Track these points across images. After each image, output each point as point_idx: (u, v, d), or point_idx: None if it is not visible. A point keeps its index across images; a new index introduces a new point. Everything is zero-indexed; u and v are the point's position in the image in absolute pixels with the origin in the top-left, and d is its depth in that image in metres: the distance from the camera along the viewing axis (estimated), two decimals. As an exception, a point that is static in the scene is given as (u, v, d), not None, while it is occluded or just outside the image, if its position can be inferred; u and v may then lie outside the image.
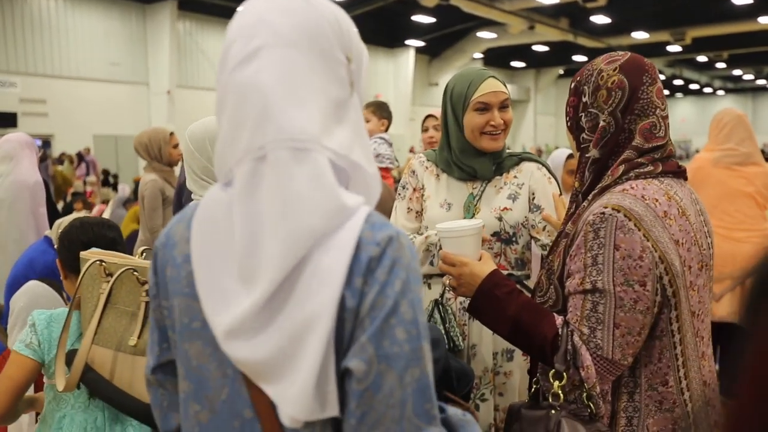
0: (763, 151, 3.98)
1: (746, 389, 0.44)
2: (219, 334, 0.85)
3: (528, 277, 2.19)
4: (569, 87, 1.51)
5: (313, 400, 0.80)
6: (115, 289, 1.75)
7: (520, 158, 2.20)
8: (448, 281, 1.61)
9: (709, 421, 1.43)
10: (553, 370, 1.37)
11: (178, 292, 0.93)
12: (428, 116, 3.69)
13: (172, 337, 0.96)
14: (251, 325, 0.82)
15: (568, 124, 1.52)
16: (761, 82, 35.72)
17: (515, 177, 2.16)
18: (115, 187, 13.16)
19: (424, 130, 3.69)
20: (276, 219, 0.81)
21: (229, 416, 0.90)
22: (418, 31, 20.75)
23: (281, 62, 0.86)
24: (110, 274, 1.75)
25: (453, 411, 0.96)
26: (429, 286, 2.21)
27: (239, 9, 0.93)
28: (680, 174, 1.45)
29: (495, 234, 2.11)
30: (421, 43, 22.42)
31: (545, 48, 23.76)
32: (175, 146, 4.23)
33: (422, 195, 2.22)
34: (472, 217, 2.11)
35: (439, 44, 22.88)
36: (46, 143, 15.20)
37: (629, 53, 1.47)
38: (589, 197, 1.44)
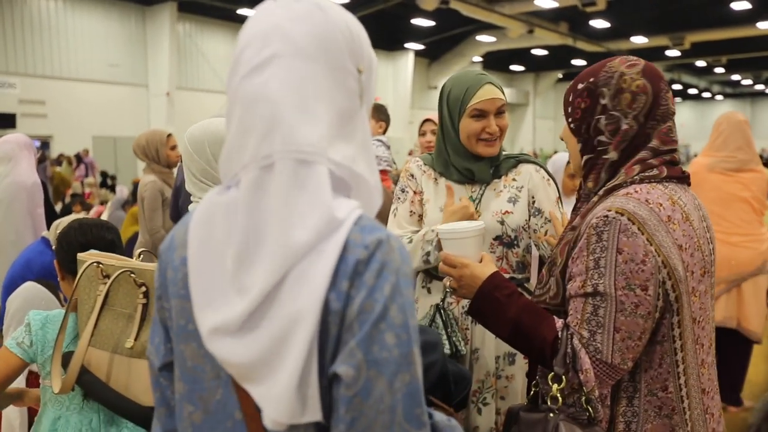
0: (761, 156, 3.99)
1: None
2: (204, 332, 0.86)
3: (528, 280, 2.18)
4: (575, 89, 1.48)
5: (294, 403, 0.80)
6: (112, 291, 1.75)
7: (518, 160, 2.19)
8: (448, 283, 1.61)
9: (708, 430, 1.43)
10: (552, 373, 1.36)
11: (174, 294, 0.93)
12: (426, 120, 3.67)
13: (173, 337, 0.96)
14: (236, 326, 0.82)
15: (573, 126, 1.49)
16: (760, 87, 35.80)
17: (514, 180, 2.16)
18: (112, 189, 13.15)
19: (422, 134, 3.67)
20: (272, 231, 0.82)
21: (223, 417, 0.90)
22: (418, 34, 20.78)
23: (292, 73, 0.86)
24: (107, 276, 1.74)
25: (440, 417, 0.96)
26: (429, 291, 2.19)
27: (253, 13, 0.93)
28: (684, 179, 1.45)
29: (497, 238, 2.10)
30: (420, 47, 22.44)
31: (544, 52, 23.80)
32: (173, 148, 4.25)
33: (421, 199, 2.21)
34: None
35: (439, 48, 22.91)
36: (45, 144, 15.20)
37: (642, 59, 1.46)
38: (600, 192, 1.43)
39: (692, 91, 35.70)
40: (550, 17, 19.15)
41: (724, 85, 37.09)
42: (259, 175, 0.84)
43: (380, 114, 4.11)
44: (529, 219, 2.13)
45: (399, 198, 2.24)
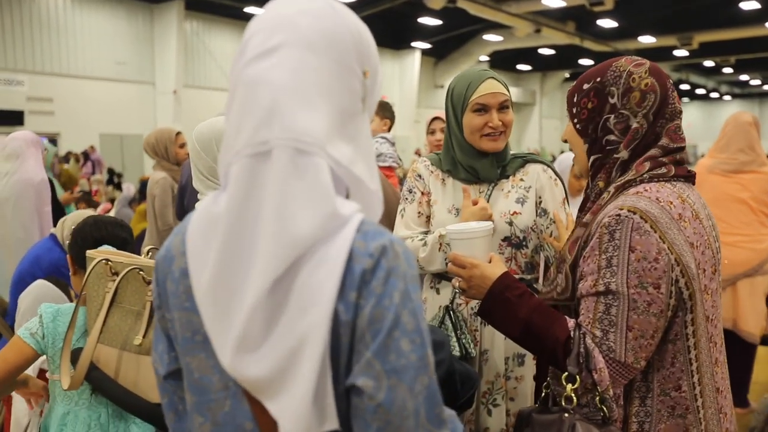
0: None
1: None
2: (227, 362, 0.84)
3: (537, 280, 2.17)
4: (579, 89, 1.48)
5: (311, 416, 0.80)
6: (121, 289, 1.75)
7: (525, 160, 2.18)
8: (457, 283, 1.60)
9: (722, 430, 1.43)
10: (566, 373, 1.35)
11: (177, 307, 0.92)
12: (435, 118, 3.66)
13: (177, 347, 0.95)
14: (248, 340, 0.82)
15: (579, 127, 1.49)
16: (768, 87, 35.68)
17: (521, 180, 2.15)
18: (119, 187, 13.16)
19: (431, 132, 3.65)
20: (268, 224, 0.80)
21: (232, 428, 0.90)
22: (425, 33, 20.75)
23: (297, 62, 0.85)
24: (116, 273, 1.75)
25: (448, 411, 0.96)
26: (438, 291, 2.18)
27: (260, 11, 0.93)
28: (690, 178, 1.45)
29: (506, 239, 2.10)
30: (427, 45, 22.41)
31: (551, 51, 23.73)
32: (182, 146, 4.29)
33: (429, 200, 2.20)
34: None
35: (445, 46, 22.87)
36: (53, 141, 15.24)
37: (644, 59, 1.47)
38: (611, 189, 1.42)
39: (700, 91, 35.54)
40: (557, 16, 19.10)
41: (732, 85, 36.92)
42: (252, 164, 0.83)
43: (385, 112, 4.11)
44: (536, 219, 2.13)
45: (407, 198, 2.23)
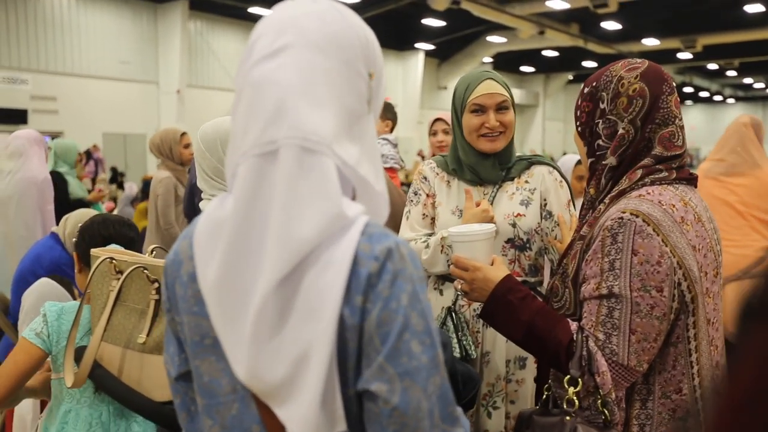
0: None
1: (725, 410, 0.43)
2: (242, 374, 0.84)
3: (541, 283, 2.17)
4: (581, 92, 1.49)
5: (319, 420, 0.80)
6: (125, 287, 1.76)
7: (531, 162, 2.18)
8: (459, 286, 1.60)
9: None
10: (568, 376, 1.35)
11: (186, 311, 0.92)
12: (436, 119, 3.64)
13: (187, 350, 0.96)
14: (257, 342, 0.81)
15: (579, 129, 1.50)
16: (772, 90, 35.63)
17: (526, 182, 2.15)
18: (121, 186, 13.18)
19: (432, 133, 3.64)
20: (275, 223, 0.81)
21: (240, 431, 0.90)
22: (428, 34, 20.74)
23: (305, 62, 0.85)
24: (120, 272, 1.76)
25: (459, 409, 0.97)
26: (441, 293, 2.18)
27: (265, 11, 0.93)
28: (692, 181, 1.45)
29: (509, 241, 2.10)
30: (430, 47, 22.40)
31: (555, 53, 23.71)
32: (186, 146, 4.32)
33: (434, 202, 2.21)
34: None
35: (449, 48, 22.87)
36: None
37: (647, 61, 1.45)
38: (606, 200, 1.42)
39: (704, 94, 35.46)
40: (561, 18, 19.09)
41: (736, 88, 36.84)
42: (259, 164, 0.83)
43: (387, 112, 4.10)
44: (541, 221, 2.12)
45: (412, 200, 2.24)
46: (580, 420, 1.33)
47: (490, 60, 24.26)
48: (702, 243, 1.38)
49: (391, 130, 4.09)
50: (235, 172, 0.86)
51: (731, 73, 29.14)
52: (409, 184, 10.73)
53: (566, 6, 16.75)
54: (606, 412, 1.33)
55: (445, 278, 2.17)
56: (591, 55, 23.17)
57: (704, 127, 36.94)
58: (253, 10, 16.13)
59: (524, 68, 27.90)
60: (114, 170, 15.08)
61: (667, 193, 1.37)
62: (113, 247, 1.92)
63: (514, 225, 2.09)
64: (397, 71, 22.75)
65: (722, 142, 3.71)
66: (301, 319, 0.80)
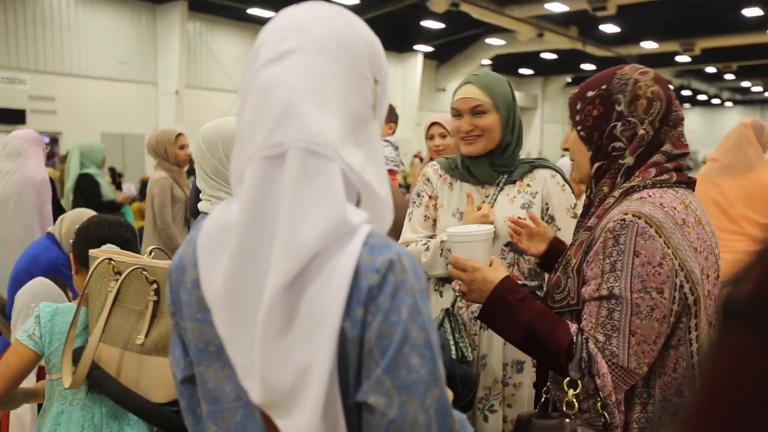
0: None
1: (697, 407, 0.44)
2: (250, 389, 0.84)
3: (541, 287, 2.16)
4: (583, 97, 1.49)
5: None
6: (124, 288, 1.76)
7: (533, 165, 2.18)
8: (458, 287, 1.59)
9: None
10: (568, 378, 1.35)
11: (190, 317, 0.92)
12: (433, 124, 3.60)
13: (191, 355, 0.96)
14: (264, 353, 0.81)
15: (583, 134, 1.49)
16: (770, 94, 35.67)
17: (528, 185, 2.14)
18: (119, 186, 13.17)
19: (429, 137, 3.57)
20: (281, 228, 0.80)
21: None
22: (427, 36, 20.75)
23: (311, 65, 0.85)
24: (119, 273, 1.75)
25: (458, 414, 0.96)
26: (441, 294, 2.18)
27: (264, 12, 0.92)
28: (691, 185, 1.45)
29: (508, 244, 2.09)
30: (429, 49, 22.40)
31: (554, 56, 23.72)
32: (182, 147, 4.34)
33: (436, 204, 2.22)
34: None
35: (448, 50, 22.87)
36: (54, 141, 15.23)
37: (647, 67, 1.48)
38: (616, 194, 1.43)
39: (702, 97, 35.50)
40: (560, 21, 19.10)
41: (734, 91, 36.91)
42: (266, 167, 0.82)
43: (390, 115, 4.09)
44: None
45: (415, 202, 2.26)
46: (579, 422, 1.33)
47: (489, 62, 24.27)
48: (703, 245, 1.38)
49: (393, 132, 4.08)
50: (241, 176, 0.85)
51: (729, 76, 29.19)
52: (407, 186, 10.73)
53: (565, 9, 16.77)
54: (606, 414, 1.33)
55: (445, 280, 2.17)
56: (590, 58, 23.19)
57: (702, 130, 36.98)
58: (253, 11, 16.12)
59: (523, 71, 27.92)
60: (112, 170, 15.06)
61: (668, 196, 1.38)
62: (110, 247, 1.92)
63: None
64: (396, 73, 22.75)
65: (723, 142, 3.68)
66: (304, 329, 0.80)
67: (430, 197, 2.23)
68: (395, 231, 2.78)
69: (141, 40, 16.84)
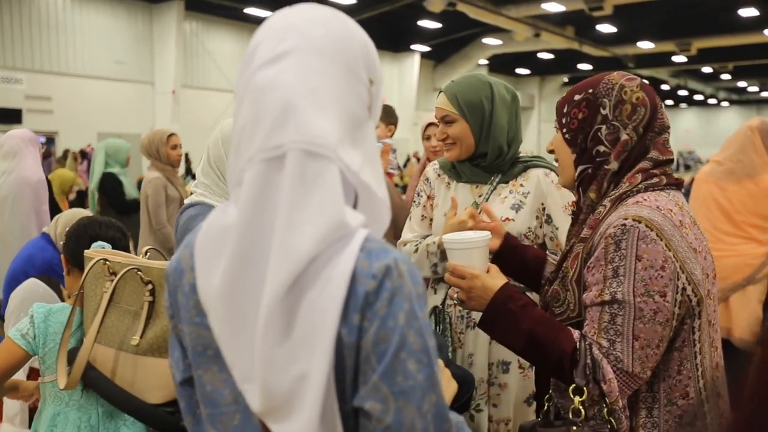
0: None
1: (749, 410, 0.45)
2: (249, 399, 0.83)
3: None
4: (570, 100, 1.50)
5: None
6: (119, 288, 1.75)
7: (526, 165, 2.15)
8: (456, 295, 1.57)
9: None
10: (573, 385, 1.33)
11: (188, 321, 0.92)
12: (429, 124, 3.59)
13: (189, 358, 0.95)
14: (264, 357, 0.81)
15: (568, 136, 1.50)
16: (766, 94, 35.68)
17: (521, 185, 2.12)
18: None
19: (426, 138, 3.55)
20: (279, 231, 0.80)
21: None
22: (424, 36, 20.77)
23: (308, 67, 0.85)
24: (114, 273, 1.75)
25: (455, 416, 0.96)
26: (435, 291, 2.19)
27: (260, 12, 0.92)
28: (679, 186, 1.46)
29: None
30: (426, 48, 22.43)
31: (550, 56, 23.77)
32: (174, 147, 4.38)
33: (432, 204, 2.22)
34: None
35: (445, 50, 22.89)
36: (51, 140, 15.22)
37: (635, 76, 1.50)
38: (606, 203, 1.43)
39: (698, 97, 35.60)
40: (556, 21, 19.13)
41: (730, 91, 36.99)
42: (265, 170, 0.82)
43: (390, 117, 4.08)
44: (542, 226, 2.09)
45: (415, 201, 2.28)
46: (585, 430, 1.31)
47: (486, 62, 24.32)
48: (701, 245, 1.39)
49: (392, 135, 4.08)
50: (239, 178, 0.85)
51: (725, 76, 29.28)
52: (404, 186, 10.74)
53: (562, 8, 16.79)
54: (612, 420, 1.31)
55: (441, 279, 2.15)
56: (586, 58, 23.24)
57: (698, 130, 37.11)
58: (249, 10, 16.12)
59: (520, 70, 27.96)
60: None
61: (662, 198, 1.38)
62: (101, 245, 1.91)
63: None
64: (393, 73, 22.76)
65: (727, 144, 3.66)
66: (303, 335, 0.79)
67: (428, 197, 2.25)
68: (393, 233, 2.79)
69: (137, 39, 16.82)
